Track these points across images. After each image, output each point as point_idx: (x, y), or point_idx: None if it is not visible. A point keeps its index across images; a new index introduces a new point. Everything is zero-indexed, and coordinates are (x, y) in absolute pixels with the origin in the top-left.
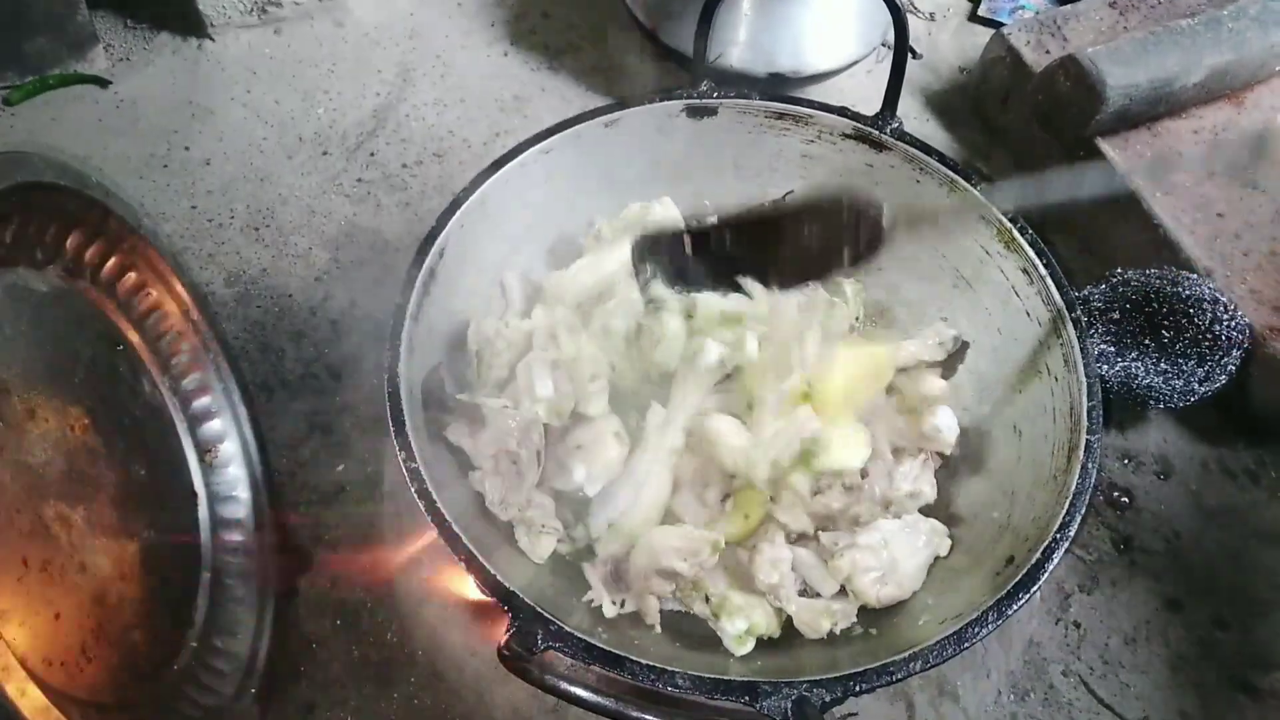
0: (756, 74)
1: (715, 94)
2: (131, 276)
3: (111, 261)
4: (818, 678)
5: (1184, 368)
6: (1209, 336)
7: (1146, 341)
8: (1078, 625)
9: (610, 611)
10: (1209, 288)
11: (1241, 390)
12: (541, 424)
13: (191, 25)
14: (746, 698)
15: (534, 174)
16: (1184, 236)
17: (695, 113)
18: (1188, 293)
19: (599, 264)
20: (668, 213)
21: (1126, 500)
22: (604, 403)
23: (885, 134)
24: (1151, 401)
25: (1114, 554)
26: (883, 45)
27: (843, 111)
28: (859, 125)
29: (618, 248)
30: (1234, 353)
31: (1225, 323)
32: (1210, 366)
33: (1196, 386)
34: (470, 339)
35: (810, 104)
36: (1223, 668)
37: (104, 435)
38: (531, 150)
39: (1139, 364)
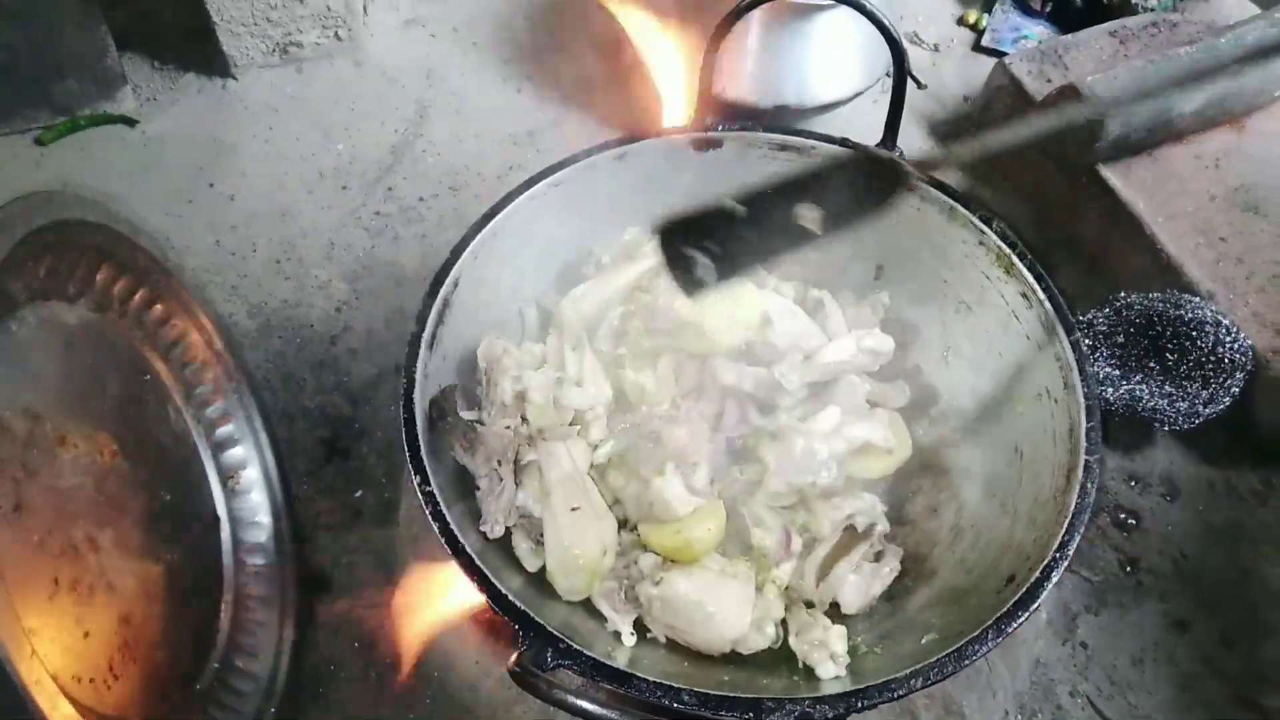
0: (763, 106)
1: (720, 127)
2: (158, 309)
3: (139, 295)
4: (820, 694)
5: (1188, 390)
6: (1212, 359)
7: (1151, 364)
8: (1085, 646)
9: (630, 640)
10: (1212, 310)
11: (1246, 412)
12: (519, 437)
13: (216, 66)
14: (750, 714)
15: (545, 206)
16: (1186, 260)
17: (702, 145)
18: (1191, 316)
19: (600, 288)
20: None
21: (1133, 521)
22: (602, 429)
23: None
24: (1157, 424)
25: (1121, 575)
26: (887, 76)
27: (844, 142)
28: (860, 156)
29: (617, 273)
30: (1237, 375)
31: (1228, 345)
32: (1214, 389)
33: (1201, 409)
34: (480, 356)
35: (812, 135)
36: (1230, 687)
37: (131, 461)
38: (543, 183)
39: (1144, 387)
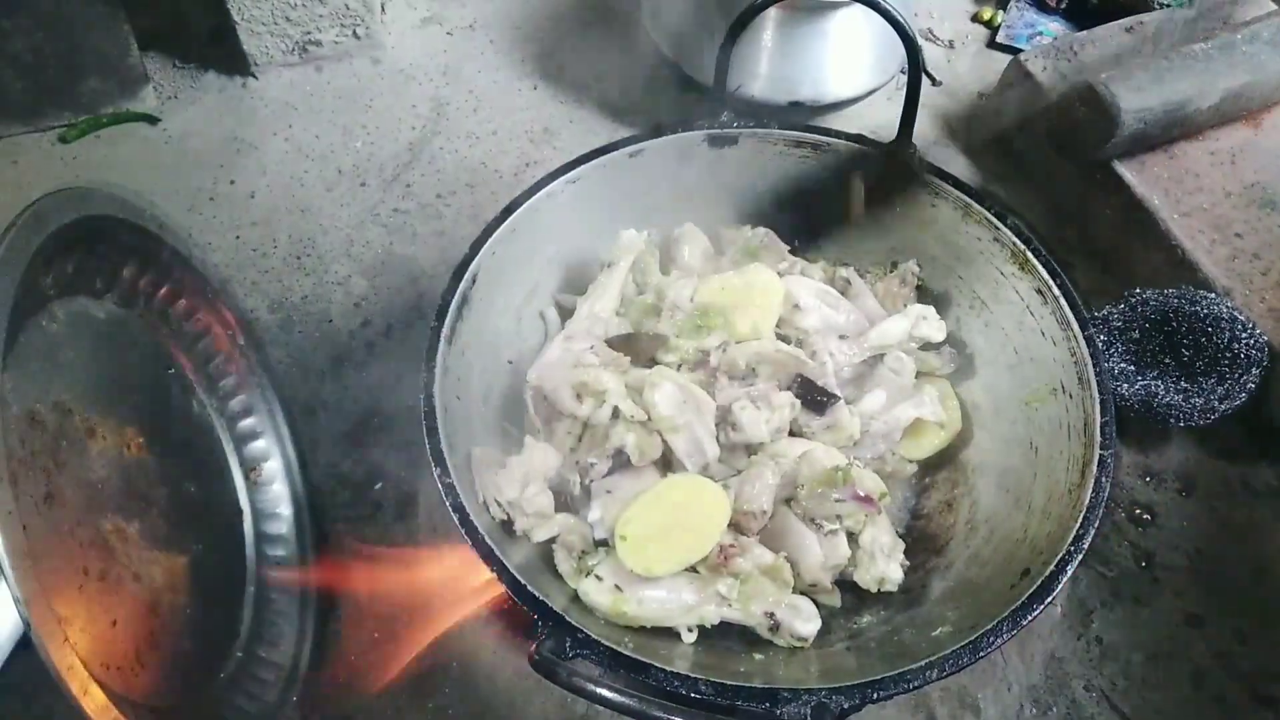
0: (778, 103)
1: (735, 124)
2: (182, 304)
3: (164, 290)
4: (836, 685)
5: (1204, 386)
6: (1228, 355)
7: (1166, 360)
8: (1100, 640)
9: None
10: (1227, 306)
11: (1262, 408)
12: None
13: (236, 64)
14: (767, 704)
15: (562, 202)
16: (1202, 256)
17: (716, 142)
18: (1206, 311)
19: (599, 300)
20: (693, 237)
21: (1149, 517)
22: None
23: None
24: (1172, 420)
25: (1136, 570)
26: (901, 73)
27: (859, 139)
28: (874, 152)
29: (609, 278)
30: (1253, 370)
31: (1244, 341)
32: (1230, 384)
33: (1217, 404)
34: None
35: (827, 132)
36: (1245, 682)
37: (157, 453)
38: (559, 180)
39: (1159, 382)
